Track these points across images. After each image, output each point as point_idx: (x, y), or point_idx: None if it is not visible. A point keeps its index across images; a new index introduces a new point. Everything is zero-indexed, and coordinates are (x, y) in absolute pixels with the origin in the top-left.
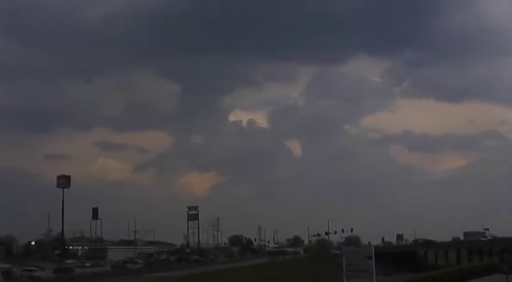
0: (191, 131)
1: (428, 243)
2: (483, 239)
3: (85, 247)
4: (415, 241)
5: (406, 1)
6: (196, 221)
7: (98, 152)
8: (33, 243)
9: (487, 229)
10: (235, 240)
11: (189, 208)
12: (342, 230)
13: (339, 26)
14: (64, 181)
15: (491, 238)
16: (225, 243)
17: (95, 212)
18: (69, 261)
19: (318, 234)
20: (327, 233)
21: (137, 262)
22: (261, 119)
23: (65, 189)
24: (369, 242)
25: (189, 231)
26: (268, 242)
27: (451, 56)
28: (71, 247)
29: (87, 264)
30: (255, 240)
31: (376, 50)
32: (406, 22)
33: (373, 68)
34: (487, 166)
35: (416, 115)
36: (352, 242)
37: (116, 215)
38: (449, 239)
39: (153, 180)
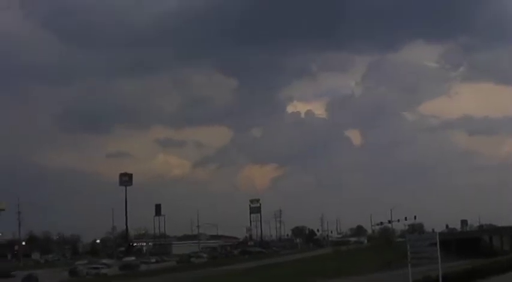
0: (250, 125)
1: (493, 229)
2: None
3: (149, 243)
4: (480, 227)
5: None
6: (259, 214)
7: (158, 149)
8: (98, 241)
9: None
10: (298, 231)
11: (251, 201)
12: (405, 217)
13: (393, 13)
14: (126, 179)
15: None
16: (287, 234)
17: (158, 209)
18: (128, 258)
19: (381, 223)
20: (389, 221)
21: (201, 256)
22: (319, 110)
23: (127, 187)
24: (433, 229)
25: (252, 224)
26: (331, 232)
27: (508, 38)
28: (135, 244)
29: (152, 260)
30: (317, 230)
31: (431, 35)
32: (460, 7)
33: (429, 54)
34: None
35: (475, 99)
36: (416, 229)
37: (178, 211)
38: None
39: (213, 175)
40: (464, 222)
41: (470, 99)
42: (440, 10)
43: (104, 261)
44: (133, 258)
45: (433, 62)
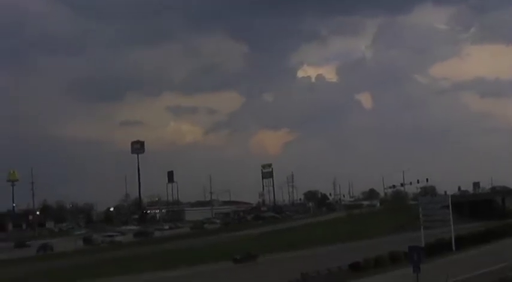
0: (261, 90)
1: (506, 190)
2: None
3: (162, 210)
4: (492, 188)
5: None
6: (271, 179)
7: (170, 116)
8: (111, 209)
9: None
10: (311, 195)
11: (263, 166)
12: (418, 180)
13: None
14: (138, 147)
15: None
16: (300, 199)
17: (170, 176)
18: (133, 226)
19: (393, 186)
20: (402, 184)
21: (215, 222)
22: (329, 74)
23: (139, 155)
24: (445, 192)
25: (264, 189)
26: (344, 195)
27: None
28: (148, 211)
29: (166, 227)
30: (330, 194)
31: None
32: None
33: (439, 16)
34: None
35: (487, 61)
36: (428, 192)
37: (191, 177)
38: None
39: (225, 141)
40: (476, 185)
41: (482, 60)
42: None
43: (128, 227)
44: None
45: (444, 23)
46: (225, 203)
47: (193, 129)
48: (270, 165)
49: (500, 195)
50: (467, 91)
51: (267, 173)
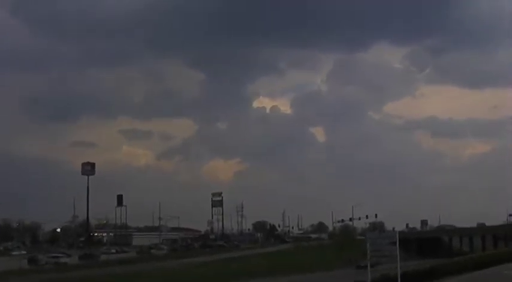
0: (215, 118)
1: (453, 229)
2: None
3: (110, 234)
4: (440, 227)
5: None
6: (221, 207)
7: (123, 140)
8: (58, 230)
9: None
10: (259, 226)
11: (213, 194)
12: (366, 216)
13: (360, 14)
14: (89, 168)
15: None
16: (249, 229)
17: (120, 199)
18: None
19: (342, 220)
20: (351, 219)
21: (162, 248)
22: (284, 106)
23: (90, 177)
24: (393, 228)
25: (214, 217)
26: (292, 227)
27: (474, 42)
28: (96, 234)
29: (113, 251)
30: (278, 226)
31: (398, 37)
32: (427, 9)
33: (395, 55)
34: (511, 151)
35: (440, 101)
36: (377, 227)
37: (141, 202)
38: (474, 225)
39: (177, 167)
40: (424, 222)
41: (435, 101)
42: (408, 12)
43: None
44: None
45: (399, 63)
46: (174, 229)
47: (146, 153)
48: (220, 194)
49: (447, 234)
50: (419, 130)
51: (217, 202)
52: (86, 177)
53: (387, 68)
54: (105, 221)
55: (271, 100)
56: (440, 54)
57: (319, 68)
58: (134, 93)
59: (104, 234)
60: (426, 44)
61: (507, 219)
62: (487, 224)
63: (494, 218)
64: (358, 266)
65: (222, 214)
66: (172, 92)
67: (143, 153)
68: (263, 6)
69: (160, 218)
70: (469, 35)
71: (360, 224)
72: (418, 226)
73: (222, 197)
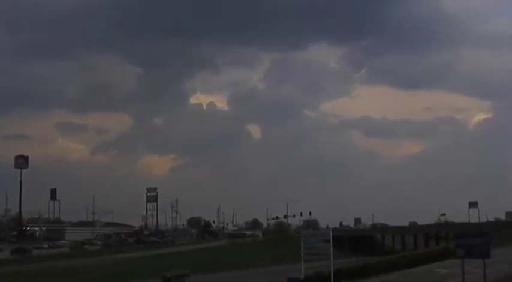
0: (152, 113)
1: (386, 228)
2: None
3: (43, 228)
4: (373, 225)
5: None
6: (155, 203)
7: (58, 133)
8: None
9: (444, 214)
10: (194, 222)
11: (148, 190)
12: (301, 213)
13: (298, 12)
14: (22, 161)
15: None
16: (183, 225)
17: (53, 193)
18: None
19: (277, 217)
20: (285, 216)
21: (95, 243)
22: (221, 103)
23: (23, 170)
24: (327, 226)
25: (148, 212)
26: (227, 224)
27: (409, 44)
28: (28, 228)
29: (45, 246)
30: (213, 222)
31: (336, 37)
32: (364, 10)
33: (332, 55)
34: (443, 152)
35: (374, 101)
36: (311, 225)
37: (75, 196)
38: (407, 224)
39: (112, 162)
40: (357, 220)
41: (369, 101)
42: (345, 13)
43: None
44: None
45: (336, 63)
46: (107, 224)
47: (81, 147)
48: (155, 189)
49: (380, 232)
50: (354, 129)
51: (152, 197)
52: (19, 170)
53: (324, 68)
54: (37, 215)
55: (208, 96)
56: (376, 55)
57: (257, 66)
58: (70, 87)
59: (37, 229)
60: (362, 45)
61: (438, 219)
62: (419, 223)
63: (426, 217)
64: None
65: (157, 209)
66: (109, 86)
67: (78, 147)
68: (204, 2)
69: (94, 213)
70: (404, 38)
71: (294, 221)
72: (352, 224)
73: (157, 193)
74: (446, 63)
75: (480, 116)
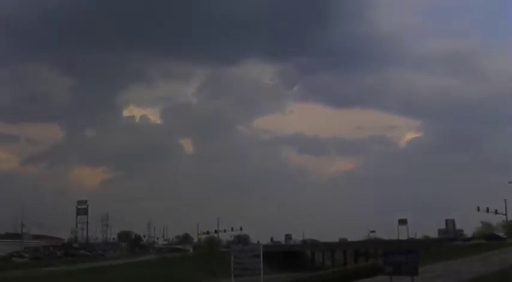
0: (84, 125)
1: (316, 244)
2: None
3: None
4: (303, 241)
5: (299, 8)
6: (86, 216)
7: None
8: None
9: (373, 231)
10: (124, 236)
11: (78, 202)
12: (232, 228)
13: (233, 28)
14: None
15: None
16: (113, 238)
17: None
18: None
19: (208, 232)
20: (216, 231)
21: (24, 256)
22: (154, 116)
23: None
24: (258, 241)
25: (78, 225)
26: (158, 238)
27: (343, 63)
28: None
29: None
30: (144, 236)
31: (270, 53)
32: (299, 28)
33: (266, 71)
34: (374, 169)
35: (307, 119)
36: (242, 240)
37: (3, 208)
38: (337, 240)
39: (43, 173)
40: (288, 236)
41: (302, 118)
42: (281, 30)
43: None
44: None
45: (269, 79)
46: (36, 237)
47: (12, 158)
48: (85, 202)
49: (310, 248)
50: (287, 145)
51: (82, 210)
52: None
53: (258, 84)
54: None
55: (141, 109)
56: (310, 73)
57: (191, 80)
58: (1, 96)
59: None
60: (296, 63)
61: (368, 235)
62: (349, 239)
63: (356, 234)
64: None
65: (87, 223)
66: (41, 97)
67: (8, 158)
68: (139, 15)
69: (22, 225)
70: (338, 57)
71: (225, 237)
72: (282, 240)
73: (88, 205)
74: (378, 82)
75: (410, 135)
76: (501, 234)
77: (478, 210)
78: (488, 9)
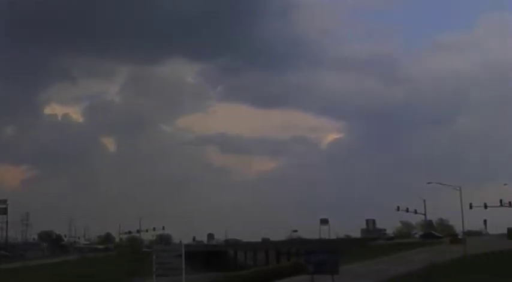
0: (4, 123)
1: (238, 243)
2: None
3: None
4: (226, 241)
5: (222, 8)
6: (5, 215)
7: None
8: None
9: (296, 231)
10: (45, 236)
11: None
12: (154, 228)
13: (156, 27)
14: None
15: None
16: (34, 238)
17: None
18: None
19: (130, 232)
20: (138, 231)
21: None
22: (76, 114)
23: None
24: (180, 241)
25: None
26: (79, 238)
27: (267, 64)
28: None
29: None
30: (65, 236)
31: (193, 53)
32: (223, 28)
33: (190, 71)
34: (297, 170)
35: (231, 118)
36: (164, 240)
37: None
38: (259, 240)
39: None
40: (211, 236)
41: (226, 118)
42: (204, 30)
43: None
44: None
45: (193, 79)
46: None
47: None
48: (5, 201)
49: (232, 248)
50: (210, 145)
51: (2, 209)
52: None
53: (181, 83)
54: None
55: (63, 108)
56: (233, 73)
57: (114, 79)
58: None
59: None
60: (220, 63)
61: (290, 235)
62: (272, 239)
63: (279, 234)
64: None
65: (7, 222)
66: None
67: None
68: (63, 13)
69: None
70: (262, 58)
71: (148, 236)
72: (205, 240)
73: (7, 205)
74: (302, 83)
75: (332, 136)
76: (437, 233)
77: (398, 210)
78: (409, 14)
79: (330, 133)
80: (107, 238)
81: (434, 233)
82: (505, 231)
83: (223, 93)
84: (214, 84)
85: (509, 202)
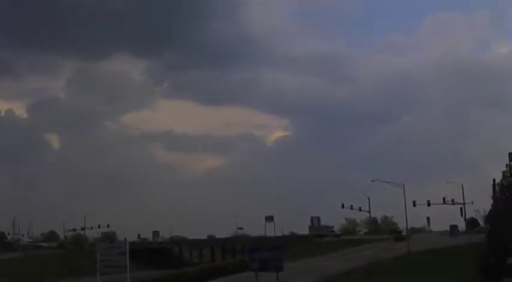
0: None
1: (183, 241)
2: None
3: None
4: (171, 238)
5: (167, 5)
6: None
7: None
8: None
9: (241, 228)
10: None
11: None
12: (99, 225)
13: (101, 23)
14: None
15: None
16: None
17: None
18: None
19: (74, 229)
20: (82, 228)
21: None
22: (20, 110)
23: None
24: (125, 238)
25: None
26: (23, 235)
27: (213, 61)
28: None
29: None
30: (8, 234)
31: (139, 49)
32: (167, 25)
33: (135, 67)
34: (242, 167)
35: (176, 115)
36: (108, 237)
37: None
38: (205, 237)
39: None
40: (156, 233)
41: (171, 115)
42: (150, 26)
43: None
44: None
45: (138, 75)
46: None
47: None
48: None
49: (178, 245)
50: (155, 142)
51: None
52: None
53: (126, 79)
54: None
55: (7, 103)
56: (179, 70)
57: (59, 74)
58: None
59: None
60: (165, 59)
61: (236, 232)
62: (217, 236)
63: (224, 231)
64: None
65: None
66: None
67: None
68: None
69: None
70: (208, 55)
71: (92, 234)
72: (150, 237)
73: None
74: (248, 81)
75: (278, 133)
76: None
77: (343, 207)
78: (355, 15)
79: (276, 131)
80: (52, 236)
81: (399, 230)
82: (448, 228)
83: (168, 90)
84: (160, 81)
85: (452, 200)
